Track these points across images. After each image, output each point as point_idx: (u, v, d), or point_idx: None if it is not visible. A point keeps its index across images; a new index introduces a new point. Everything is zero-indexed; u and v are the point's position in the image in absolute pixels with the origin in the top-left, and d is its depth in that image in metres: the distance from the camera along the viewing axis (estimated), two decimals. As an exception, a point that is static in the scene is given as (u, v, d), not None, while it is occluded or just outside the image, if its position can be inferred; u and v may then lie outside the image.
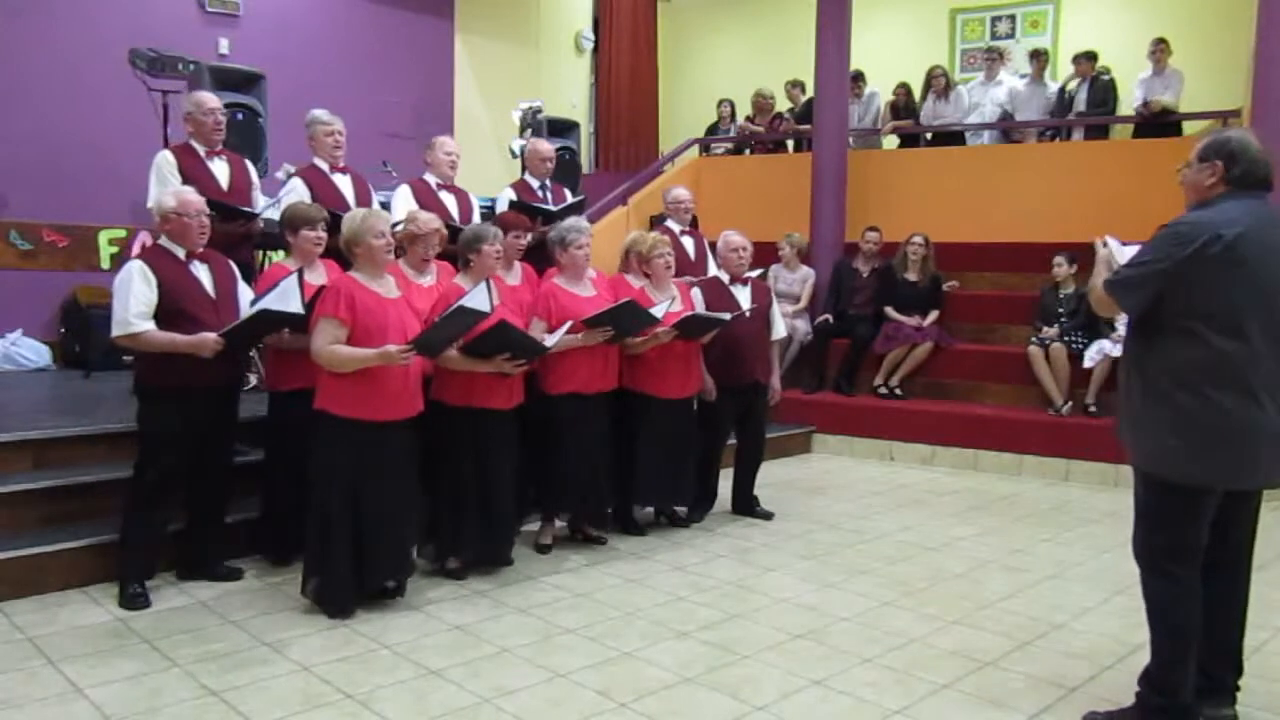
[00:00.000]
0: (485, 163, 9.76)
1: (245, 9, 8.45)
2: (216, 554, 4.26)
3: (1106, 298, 2.96)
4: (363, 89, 9.05)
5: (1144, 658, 2.98)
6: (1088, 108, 8.81)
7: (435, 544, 4.36)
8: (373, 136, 8.12)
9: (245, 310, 4.01)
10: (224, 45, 8.26)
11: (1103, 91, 8.77)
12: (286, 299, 3.87)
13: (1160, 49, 8.44)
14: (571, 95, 11.92)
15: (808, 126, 9.47)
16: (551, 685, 3.28)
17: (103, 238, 7.43)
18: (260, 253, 5.66)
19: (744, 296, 5.33)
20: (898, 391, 7.63)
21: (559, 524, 4.93)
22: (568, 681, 3.31)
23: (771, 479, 6.35)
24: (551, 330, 4.51)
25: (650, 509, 5.34)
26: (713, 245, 5.88)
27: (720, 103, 10.86)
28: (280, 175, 5.57)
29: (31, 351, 7.03)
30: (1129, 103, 8.84)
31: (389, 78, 9.50)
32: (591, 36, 12.27)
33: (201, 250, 4.03)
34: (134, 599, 3.89)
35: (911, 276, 7.78)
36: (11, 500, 4.17)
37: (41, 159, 7.16)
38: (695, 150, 10.74)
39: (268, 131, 5.92)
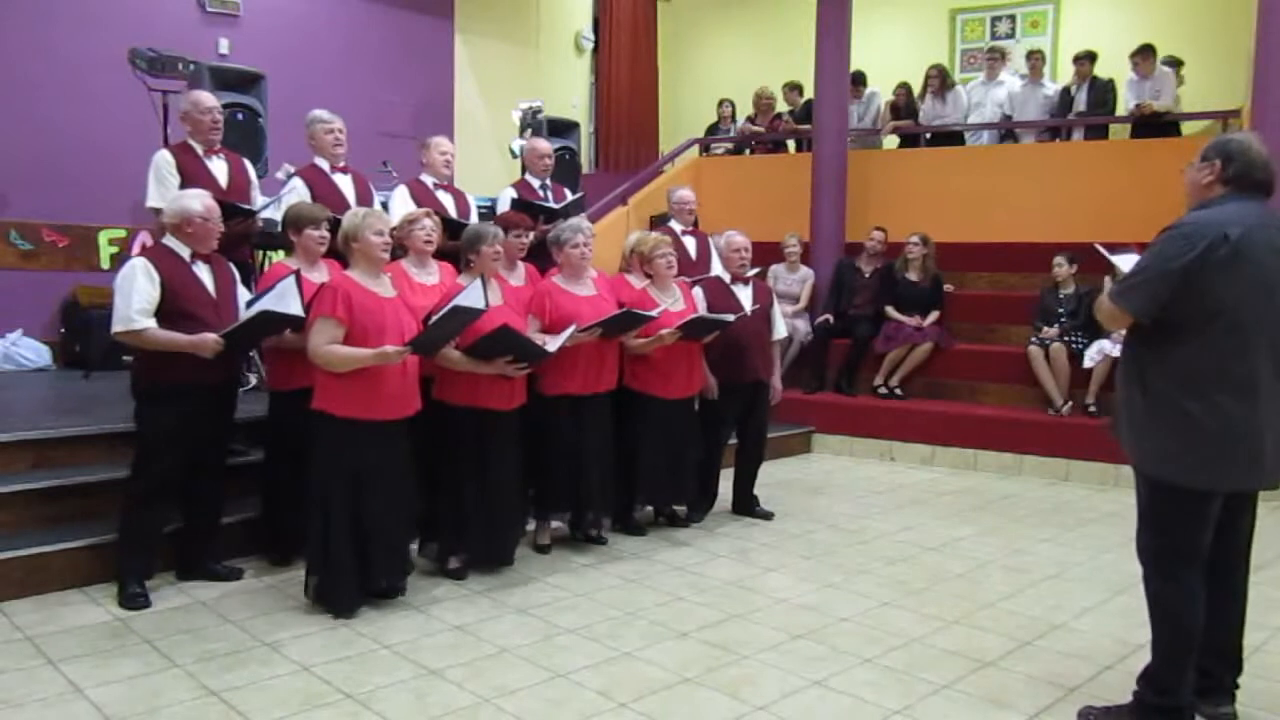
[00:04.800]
0: (485, 163, 9.77)
1: (245, 9, 8.45)
2: (215, 554, 4.26)
3: (1115, 309, 2.89)
4: (363, 89, 9.04)
5: (1144, 657, 2.99)
6: (1087, 108, 8.80)
7: (438, 543, 4.37)
8: (373, 136, 8.12)
9: (243, 311, 4.00)
10: (224, 45, 8.26)
11: (1102, 92, 8.77)
12: (285, 300, 3.85)
13: (1141, 58, 8.42)
14: (571, 95, 11.92)
15: (808, 127, 9.47)
16: (551, 685, 3.28)
17: (103, 238, 7.42)
18: (261, 253, 5.66)
19: (745, 296, 5.35)
20: (898, 391, 7.63)
21: (557, 524, 4.91)
22: (568, 681, 3.31)
23: (771, 479, 6.35)
24: (546, 330, 4.52)
25: (650, 509, 5.34)
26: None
27: (720, 103, 10.86)
28: (280, 175, 5.57)
29: (31, 351, 7.03)
30: (1128, 103, 8.85)
31: (389, 78, 9.49)
32: (591, 36, 12.26)
33: (205, 252, 4.04)
34: (134, 599, 3.89)
35: (913, 277, 7.79)
36: (11, 500, 4.16)
37: (41, 159, 7.16)
38: (695, 150, 10.74)
39: (268, 131, 5.92)
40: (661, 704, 3.15)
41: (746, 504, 5.58)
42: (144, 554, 4.01)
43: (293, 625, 3.73)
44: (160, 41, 6.37)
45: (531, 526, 4.85)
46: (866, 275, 8.01)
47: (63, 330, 7.15)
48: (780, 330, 5.60)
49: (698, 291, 5.24)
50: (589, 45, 12.28)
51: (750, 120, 10.51)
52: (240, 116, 5.75)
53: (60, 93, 7.31)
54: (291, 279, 3.91)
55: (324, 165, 5.05)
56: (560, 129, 7.77)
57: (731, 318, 4.99)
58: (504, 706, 3.11)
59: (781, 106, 10.36)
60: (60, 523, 4.22)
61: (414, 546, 4.32)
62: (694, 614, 3.98)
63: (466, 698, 3.17)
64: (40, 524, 4.20)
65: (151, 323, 3.82)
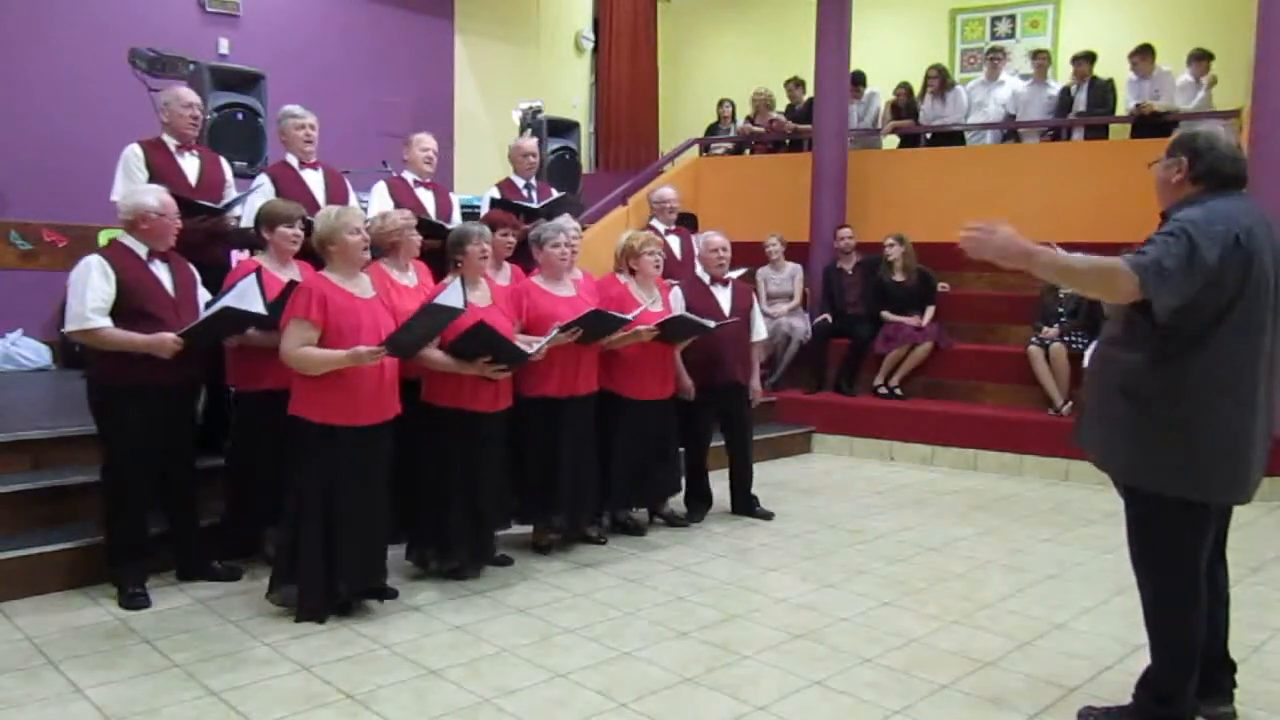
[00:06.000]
0: (485, 163, 9.76)
1: (245, 9, 8.45)
2: (205, 554, 4.22)
3: (1134, 285, 2.53)
4: (363, 89, 9.05)
5: (1144, 658, 2.97)
6: (1087, 108, 8.81)
7: (421, 545, 4.32)
8: (372, 136, 8.13)
9: (203, 310, 3.92)
10: (224, 45, 8.26)
11: (1102, 92, 8.77)
12: (246, 298, 3.78)
13: (1140, 58, 8.42)
14: (571, 95, 11.92)
15: (808, 127, 9.47)
16: (551, 685, 3.28)
17: (103, 238, 7.36)
18: (246, 253, 5.63)
19: (724, 297, 5.34)
20: (898, 391, 7.64)
21: (554, 524, 4.89)
22: (568, 681, 3.31)
23: (771, 479, 6.36)
24: (525, 329, 4.50)
25: (648, 510, 5.33)
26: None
27: (720, 103, 10.86)
28: None
29: (31, 351, 7.03)
30: (1128, 103, 8.85)
31: (389, 78, 9.49)
32: (591, 36, 12.27)
33: (163, 249, 3.97)
34: (134, 599, 3.88)
35: (898, 278, 7.81)
36: (11, 500, 4.16)
37: (41, 159, 7.16)
38: (695, 150, 10.74)
39: (268, 131, 5.90)
40: (661, 704, 3.15)
41: (746, 504, 5.57)
42: (133, 556, 3.98)
43: (293, 625, 3.72)
44: (160, 41, 6.36)
45: (529, 528, 4.84)
46: (850, 273, 8.06)
47: (62, 330, 7.15)
48: (760, 332, 5.58)
49: (676, 292, 5.23)
50: (589, 45, 12.28)
51: (750, 120, 10.52)
52: (240, 116, 5.73)
53: (60, 93, 7.31)
54: (252, 277, 3.83)
55: (293, 162, 4.91)
56: (560, 129, 7.76)
57: (712, 324, 4.97)
58: (504, 706, 3.11)
59: (783, 103, 10.35)
60: (60, 523, 4.23)
61: (401, 548, 4.30)
62: (694, 614, 3.98)
63: (466, 698, 3.17)
64: (40, 524, 4.20)
65: (107, 322, 3.75)
